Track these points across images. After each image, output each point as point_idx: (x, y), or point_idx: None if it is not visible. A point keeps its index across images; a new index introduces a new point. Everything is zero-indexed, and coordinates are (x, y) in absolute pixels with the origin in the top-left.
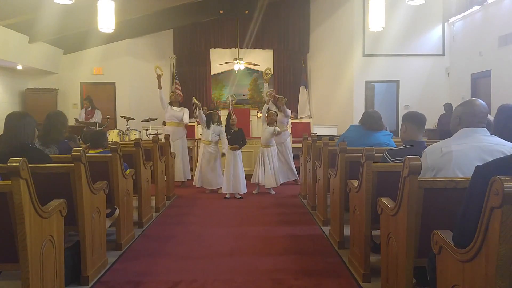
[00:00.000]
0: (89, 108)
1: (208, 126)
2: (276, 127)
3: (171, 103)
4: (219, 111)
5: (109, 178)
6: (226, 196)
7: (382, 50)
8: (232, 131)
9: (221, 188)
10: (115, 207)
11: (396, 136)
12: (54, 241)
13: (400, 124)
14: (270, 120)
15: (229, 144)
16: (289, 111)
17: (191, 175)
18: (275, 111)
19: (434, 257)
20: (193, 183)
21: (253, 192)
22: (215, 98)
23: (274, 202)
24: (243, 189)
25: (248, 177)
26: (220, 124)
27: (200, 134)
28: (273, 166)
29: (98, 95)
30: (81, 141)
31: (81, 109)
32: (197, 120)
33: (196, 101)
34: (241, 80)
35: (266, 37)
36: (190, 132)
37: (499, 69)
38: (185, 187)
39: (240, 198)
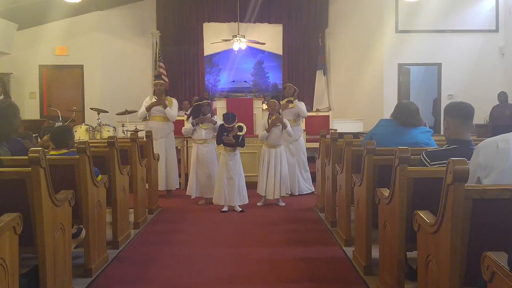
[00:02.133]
0: (1, 97)
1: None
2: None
3: (154, 94)
4: (214, 102)
5: (76, 186)
6: (223, 209)
7: (419, 26)
8: (226, 134)
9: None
10: (81, 226)
11: (438, 134)
12: (6, 266)
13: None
14: (271, 111)
15: (225, 146)
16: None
17: (179, 183)
18: (277, 101)
19: (485, 285)
20: (187, 193)
21: (258, 204)
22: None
23: (283, 217)
24: (239, 201)
25: (252, 185)
26: (213, 115)
27: None
28: (280, 171)
29: (62, 81)
30: (39, 140)
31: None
32: (186, 113)
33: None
34: (243, 62)
35: (274, 8)
36: (178, 128)
37: None
38: (172, 197)
39: (241, 211)
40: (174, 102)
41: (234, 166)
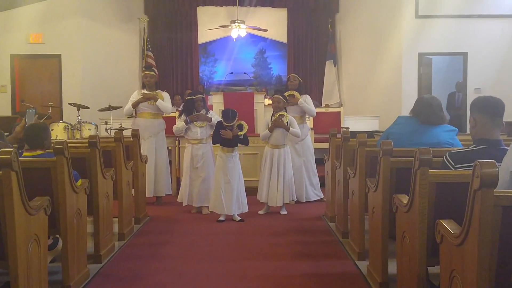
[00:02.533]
0: None
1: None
2: (286, 116)
3: (143, 87)
4: (210, 96)
5: (52, 192)
6: (220, 218)
7: (443, 10)
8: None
9: (207, 207)
10: (57, 236)
11: (464, 133)
12: None
13: (468, 114)
14: (276, 108)
15: (222, 146)
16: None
17: (171, 188)
18: (282, 97)
19: None
20: (178, 200)
21: (260, 212)
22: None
23: (288, 227)
24: (239, 208)
25: (252, 191)
26: (208, 111)
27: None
28: (284, 175)
29: (37, 72)
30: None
31: None
32: (178, 109)
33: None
34: (242, 51)
35: None
36: (169, 126)
37: None
38: (162, 205)
39: (240, 220)
40: (166, 95)
41: (233, 169)
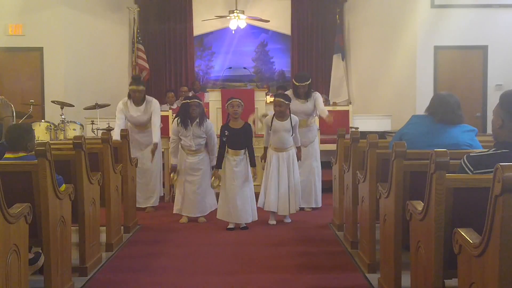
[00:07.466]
0: None
1: (185, 125)
2: (291, 116)
3: (129, 97)
4: (206, 94)
5: (34, 199)
6: (229, 226)
7: None
8: (226, 133)
9: (203, 216)
10: (40, 252)
11: (484, 134)
12: None
13: (490, 112)
14: (278, 112)
15: (229, 148)
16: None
17: (163, 193)
18: (284, 100)
19: None
20: (174, 212)
21: (270, 222)
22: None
23: (292, 236)
24: (249, 216)
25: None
26: (204, 119)
27: None
28: (292, 180)
29: (17, 67)
30: None
31: None
32: (172, 107)
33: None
34: (242, 44)
35: None
36: (164, 126)
37: None
38: (153, 212)
39: (243, 228)
40: (155, 106)
41: (241, 174)
